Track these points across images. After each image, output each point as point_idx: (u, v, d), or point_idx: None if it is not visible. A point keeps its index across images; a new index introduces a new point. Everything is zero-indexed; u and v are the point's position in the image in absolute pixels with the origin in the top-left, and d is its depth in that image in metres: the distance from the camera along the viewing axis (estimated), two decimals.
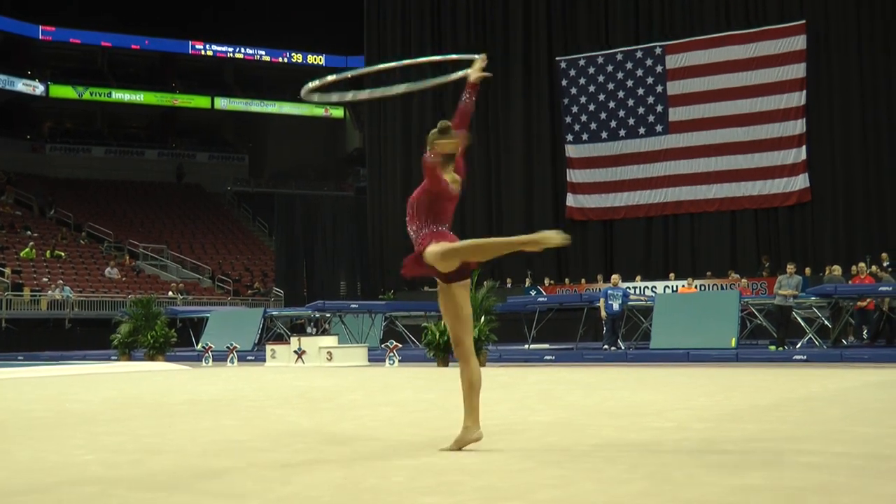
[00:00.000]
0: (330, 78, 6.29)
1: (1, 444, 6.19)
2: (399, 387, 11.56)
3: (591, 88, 32.95)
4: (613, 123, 32.65)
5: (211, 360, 20.14)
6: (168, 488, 4.36)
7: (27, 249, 35.92)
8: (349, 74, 6.68)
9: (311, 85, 6.17)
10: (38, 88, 49.00)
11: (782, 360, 15.84)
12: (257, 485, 4.40)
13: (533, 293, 27.52)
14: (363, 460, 5.12)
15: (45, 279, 33.51)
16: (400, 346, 18.96)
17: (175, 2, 51.23)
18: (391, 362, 17.53)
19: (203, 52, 54.28)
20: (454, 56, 6.39)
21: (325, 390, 11.11)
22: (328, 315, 24.58)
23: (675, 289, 27.13)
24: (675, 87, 31.67)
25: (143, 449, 5.77)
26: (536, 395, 9.34)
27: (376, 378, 13.50)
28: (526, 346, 20.93)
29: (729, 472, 4.49)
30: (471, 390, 5.50)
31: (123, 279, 36.33)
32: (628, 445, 5.49)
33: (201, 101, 53.49)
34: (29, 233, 38.55)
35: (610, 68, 32.72)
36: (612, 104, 32.71)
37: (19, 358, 23.42)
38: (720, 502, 3.83)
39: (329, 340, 19.75)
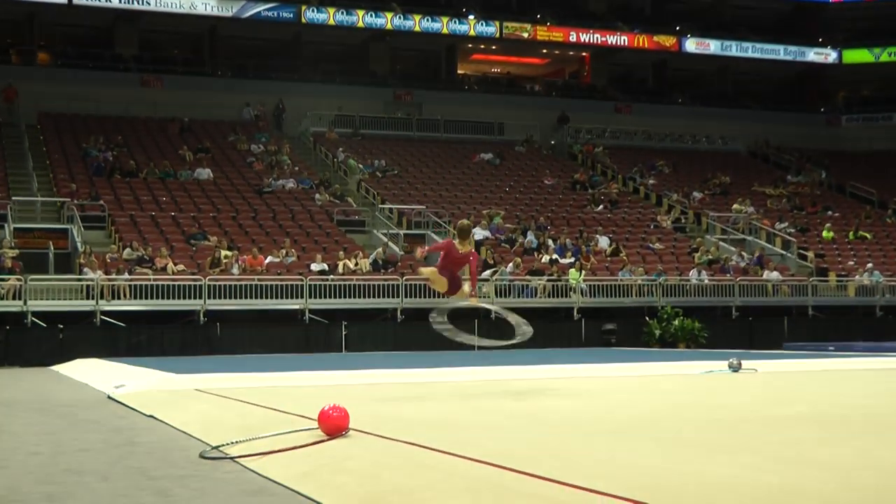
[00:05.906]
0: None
1: None
2: None
3: None
4: None
5: None
6: None
7: (826, 230, 34.04)
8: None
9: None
10: (829, 56, 46.58)
11: None
12: None
13: None
14: None
15: (850, 263, 30.88)
16: None
17: None
18: None
19: None
20: None
21: None
22: None
23: None
24: None
25: None
26: None
27: None
28: None
29: None
30: None
31: None
32: None
33: None
34: (829, 213, 36.85)
35: None
36: None
37: (830, 348, 22.23)
38: None
39: None
